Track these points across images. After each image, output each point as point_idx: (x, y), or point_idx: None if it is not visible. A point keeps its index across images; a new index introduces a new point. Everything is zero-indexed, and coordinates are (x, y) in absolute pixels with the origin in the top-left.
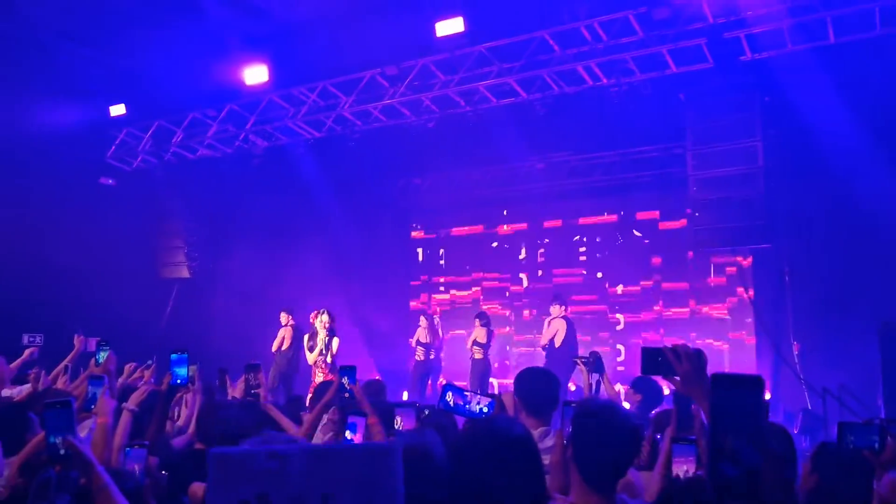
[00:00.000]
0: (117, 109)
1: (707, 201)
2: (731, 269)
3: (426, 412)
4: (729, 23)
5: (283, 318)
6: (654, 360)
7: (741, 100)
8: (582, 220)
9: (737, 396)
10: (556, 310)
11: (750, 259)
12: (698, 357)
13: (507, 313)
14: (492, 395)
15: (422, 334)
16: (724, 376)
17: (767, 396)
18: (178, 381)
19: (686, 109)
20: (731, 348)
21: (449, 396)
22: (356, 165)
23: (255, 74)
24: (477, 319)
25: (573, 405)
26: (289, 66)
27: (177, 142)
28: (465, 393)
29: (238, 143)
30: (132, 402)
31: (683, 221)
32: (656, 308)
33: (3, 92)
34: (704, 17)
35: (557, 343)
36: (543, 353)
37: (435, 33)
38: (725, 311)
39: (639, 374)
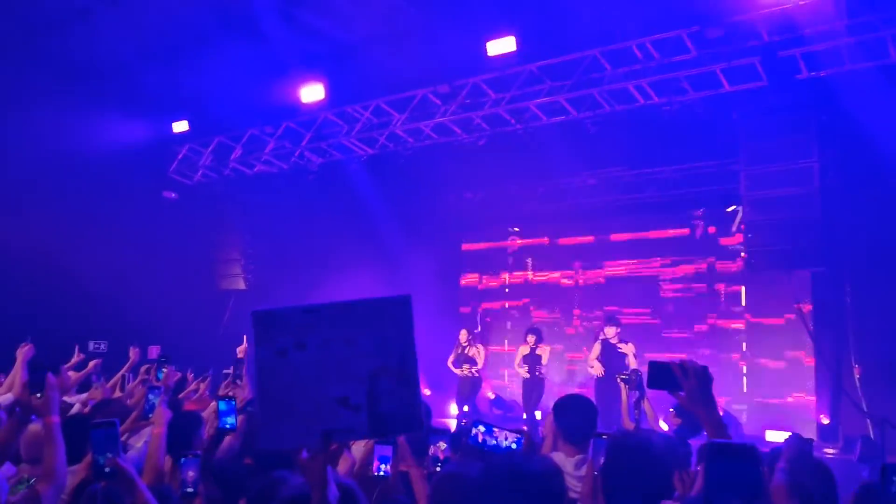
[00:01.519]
0: (180, 126)
1: (761, 222)
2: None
3: (464, 439)
4: (784, 41)
5: None
6: (661, 374)
7: (797, 119)
8: (634, 235)
9: (732, 466)
10: (610, 331)
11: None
12: (704, 374)
13: (556, 329)
14: (519, 432)
15: (480, 359)
16: (719, 445)
17: (826, 422)
18: (227, 427)
19: (739, 129)
20: (787, 366)
21: (478, 431)
22: (408, 181)
23: (312, 93)
24: (531, 336)
25: (605, 437)
26: (344, 84)
27: (236, 157)
28: (493, 429)
29: (294, 159)
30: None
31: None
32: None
33: (76, 107)
34: (759, 36)
35: (632, 364)
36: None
37: (486, 52)
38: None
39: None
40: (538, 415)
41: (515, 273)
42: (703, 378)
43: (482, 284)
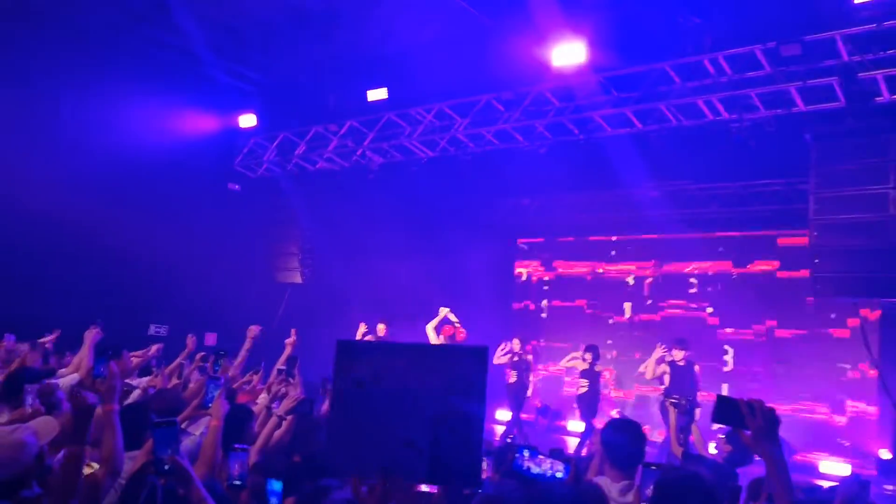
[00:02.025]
0: (247, 120)
1: (829, 248)
2: (853, 321)
3: (510, 456)
4: (865, 62)
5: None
6: (728, 409)
7: (874, 143)
8: (695, 259)
9: None
10: (679, 354)
11: (878, 312)
12: (772, 415)
13: (610, 342)
14: (567, 460)
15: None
16: None
17: (888, 456)
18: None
19: (811, 150)
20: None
21: (522, 458)
22: (466, 185)
23: (376, 93)
24: (589, 353)
25: (654, 468)
26: (408, 86)
27: (299, 153)
28: (539, 456)
29: (356, 157)
30: (281, 410)
31: (804, 272)
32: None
33: (148, 98)
34: (838, 55)
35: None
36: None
37: (552, 61)
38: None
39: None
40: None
41: (572, 270)
42: (770, 419)
43: (536, 276)
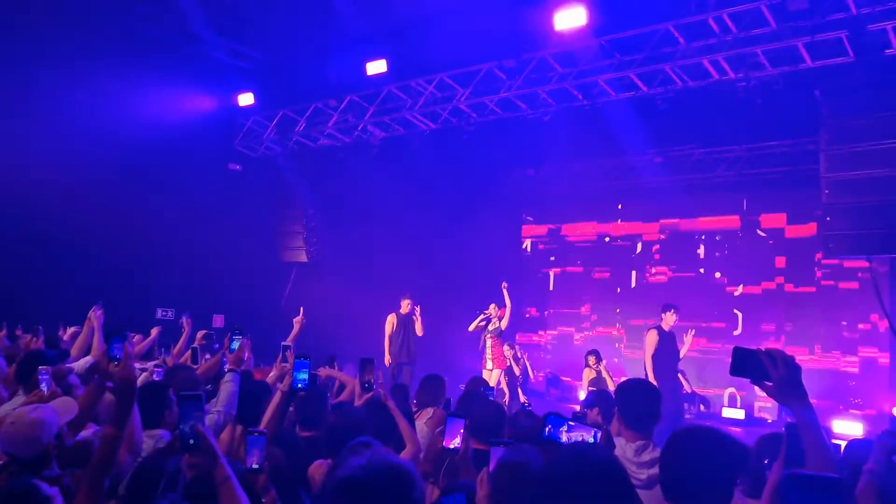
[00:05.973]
0: (246, 99)
1: (841, 206)
2: (864, 275)
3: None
4: (874, 14)
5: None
6: (746, 361)
7: (884, 97)
8: (702, 220)
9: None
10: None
11: (886, 267)
12: (794, 363)
13: (618, 309)
14: (598, 426)
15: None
16: (799, 477)
17: None
18: (299, 385)
19: (821, 107)
20: (861, 368)
21: (557, 429)
22: (470, 157)
23: (375, 66)
24: (591, 357)
25: None
26: (408, 58)
27: (299, 131)
28: (570, 422)
29: (357, 133)
30: (286, 385)
31: (813, 226)
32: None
33: (146, 79)
34: (847, 7)
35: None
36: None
37: (554, 26)
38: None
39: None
40: None
41: (578, 238)
42: (794, 368)
43: (542, 246)
